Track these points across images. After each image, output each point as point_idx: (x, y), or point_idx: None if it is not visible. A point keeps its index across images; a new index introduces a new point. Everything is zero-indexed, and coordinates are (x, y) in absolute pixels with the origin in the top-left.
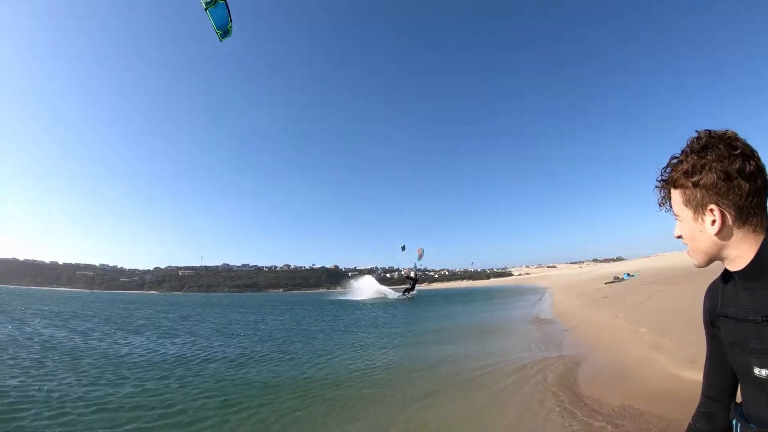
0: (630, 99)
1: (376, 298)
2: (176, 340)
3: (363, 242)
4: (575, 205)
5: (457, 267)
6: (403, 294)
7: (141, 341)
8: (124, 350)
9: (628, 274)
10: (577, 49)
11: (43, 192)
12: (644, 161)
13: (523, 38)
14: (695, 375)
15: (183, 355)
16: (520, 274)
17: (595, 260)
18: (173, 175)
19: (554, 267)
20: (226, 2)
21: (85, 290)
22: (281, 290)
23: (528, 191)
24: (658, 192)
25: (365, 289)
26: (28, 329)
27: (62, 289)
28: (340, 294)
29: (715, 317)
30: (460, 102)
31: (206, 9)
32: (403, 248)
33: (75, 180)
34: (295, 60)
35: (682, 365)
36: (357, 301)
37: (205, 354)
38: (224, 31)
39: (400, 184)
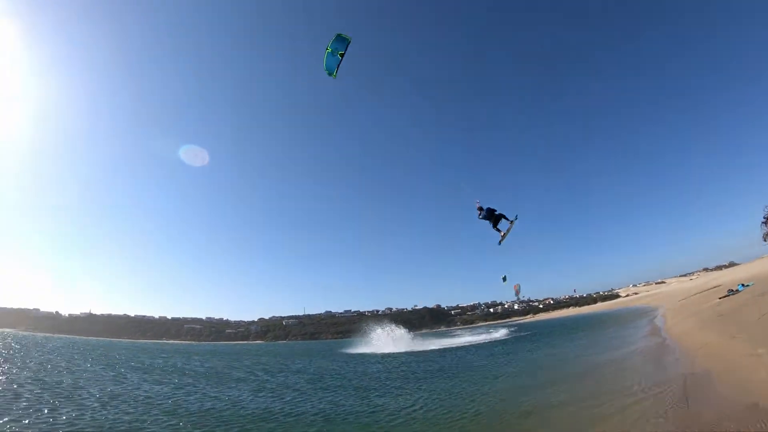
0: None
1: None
2: (263, 394)
3: (464, 279)
4: (677, 209)
5: (561, 294)
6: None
7: (230, 395)
8: (213, 404)
9: (743, 285)
10: None
11: (151, 254)
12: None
13: None
14: None
15: (268, 408)
16: (627, 295)
17: (706, 269)
18: (274, 228)
19: (663, 282)
20: (341, 59)
21: (192, 342)
22: None
23: (625, 200)
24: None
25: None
26: (129, 385)
27: (171, 341)
28: (444, 335)
29: None
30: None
31: (327, 50)
32: (504, 279)
33: (181, 241)
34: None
35: None
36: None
37: (289, 408)
38: (329, 72)
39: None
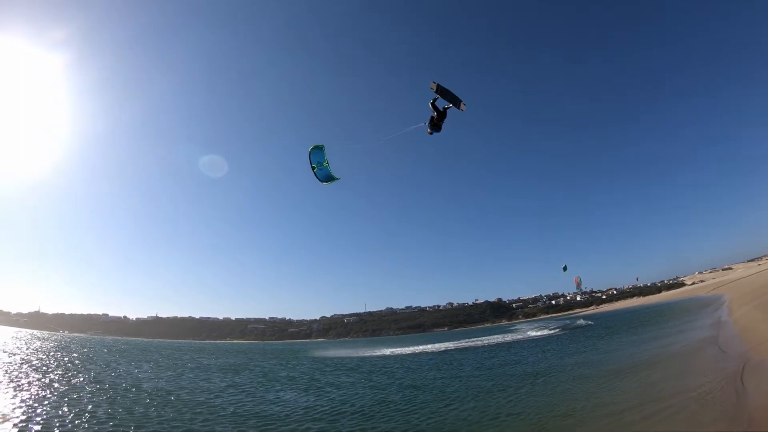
0: None
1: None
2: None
3: (525, 271)
4: (744, 189)
5: (624, 284)
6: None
7: (277, 396)
8: (268, 407)
9: None
10: None
11: (214, 259)
12: None
13: None
14: None
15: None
16: (693, 283)
17: None
18: (335, 229)
19: (730, 269)
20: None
21: (256, 341)
22: (446, 329)
23: (689, 186)
24: None
25: None
26: (186, 383)
27: (236, 341)
28: (506, 330)
29: None
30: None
31: (313, 168)
32: (565, 268)
33: (243, 246)
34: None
35: None
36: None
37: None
38: (328, 180)
39: (559, 207)
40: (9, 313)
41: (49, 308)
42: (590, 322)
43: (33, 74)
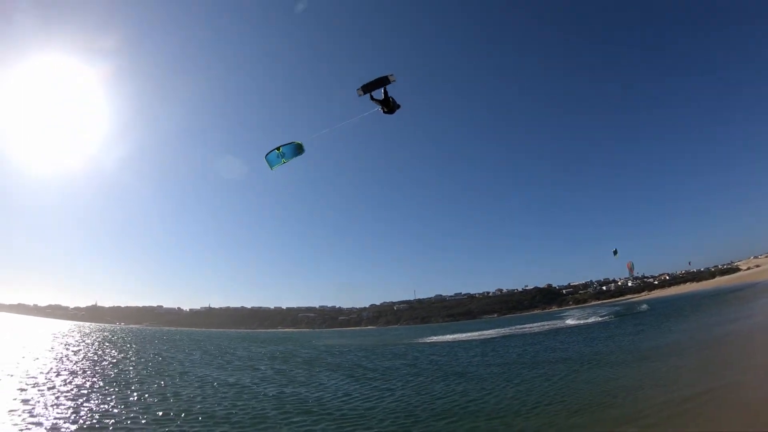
0: None
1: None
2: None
3: (575, 255)
4: None
5: (677, 269)
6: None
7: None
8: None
9: None
10: None
11: (265, 249)
12: None
13: None
14: None
15: (352, 393)
16: (748, 268)
17: None
18: (383, 217)
19: None
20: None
21: (307, 330)
22: (495, 315)
23: (744, 164)
24: None
25: None
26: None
27: (287, 330)
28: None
29: None
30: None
31: (278, 149)
32: (615, 252)
33: (293, 235)
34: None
35: None
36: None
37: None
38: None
39: (610, 184)
40: (68, 307)
41: (106, 302)
42: (645, 308)
43: (81, 82)
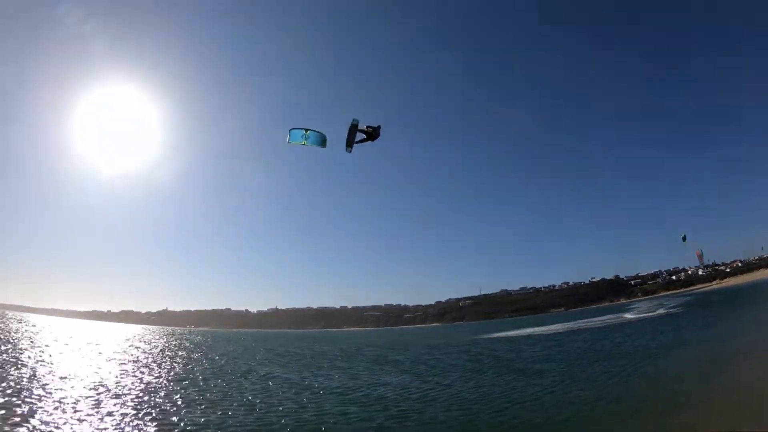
0: None
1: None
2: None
3: (642, 245)
4: None
5: (749, 256)
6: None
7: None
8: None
9: None
10: None
11: (329, 251)
12: None
13: None
14: None
15: (409, 389)
16: None
17: None
18: (449, 215)
19: None
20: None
21: (372, 328)
22: (562, 309)
23: None
24: None
25: None
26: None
27: (353, 329)
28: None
29: None
30: None
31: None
32: (684, 238)
33: (358, 236)
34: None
35: None
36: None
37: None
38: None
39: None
40: (139, 312)
41: (176, 306)
42: (716, 298)
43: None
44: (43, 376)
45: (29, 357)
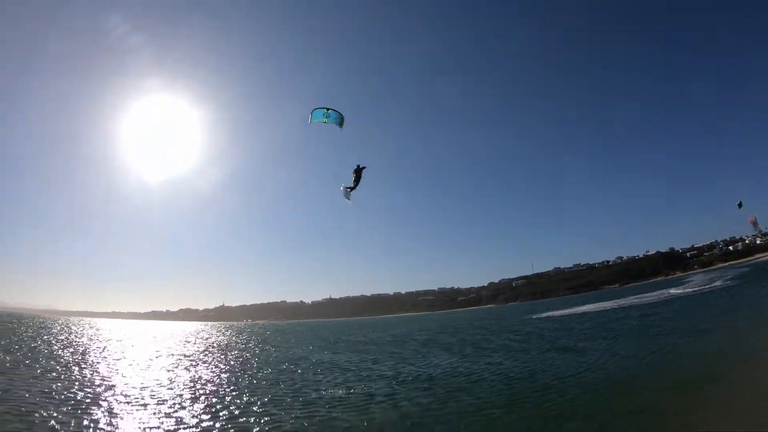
0: None
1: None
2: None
3: (698, 214)
4: None
5: None
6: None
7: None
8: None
9: None
10: None
11: (381, 238)
12: None
13: None
14: None
15: (455, 369)
16: None
17: None
18: (500, 196)
19: None
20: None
21: (426, 312)
22: (617, 285)
23: None
24: None
25: None
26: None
27: (407, 314)
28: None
29: None
30: None
31: (326, 109)
32: (740, 205)
33: (408, 222)
34: None
35: None
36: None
37: (475, 371)
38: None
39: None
40: (197, 309)
41: (233, 302)
42: None
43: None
44: (117, 370)
45: (99, 352)
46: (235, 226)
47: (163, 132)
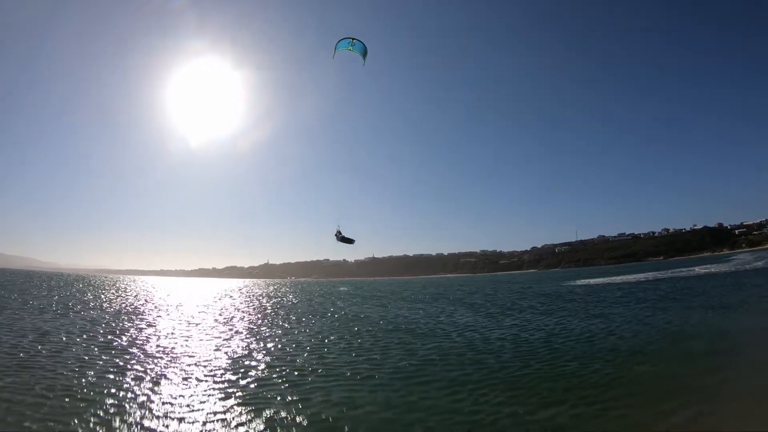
0: None
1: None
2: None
3: (750, 190)
4: None
5: None
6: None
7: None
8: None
9: None
10: None
11: (423, 198)
12: None
13: None
14: None
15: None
16: None
17: None
18: (546, 160)
19: None
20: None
21: (467, 275)
22: (661, 258)
23: None
24: None
25: None
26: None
27: (448, 275)
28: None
29: None
30: None
31: (354, 40)
32: None
33: (450, 183)
34: None
35: None
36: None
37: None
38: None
39: None
40: (242, 267)
41: (277, 260)
42: None
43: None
44: (171, 321)
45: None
46: (279, 187)
47: (206, 94)
